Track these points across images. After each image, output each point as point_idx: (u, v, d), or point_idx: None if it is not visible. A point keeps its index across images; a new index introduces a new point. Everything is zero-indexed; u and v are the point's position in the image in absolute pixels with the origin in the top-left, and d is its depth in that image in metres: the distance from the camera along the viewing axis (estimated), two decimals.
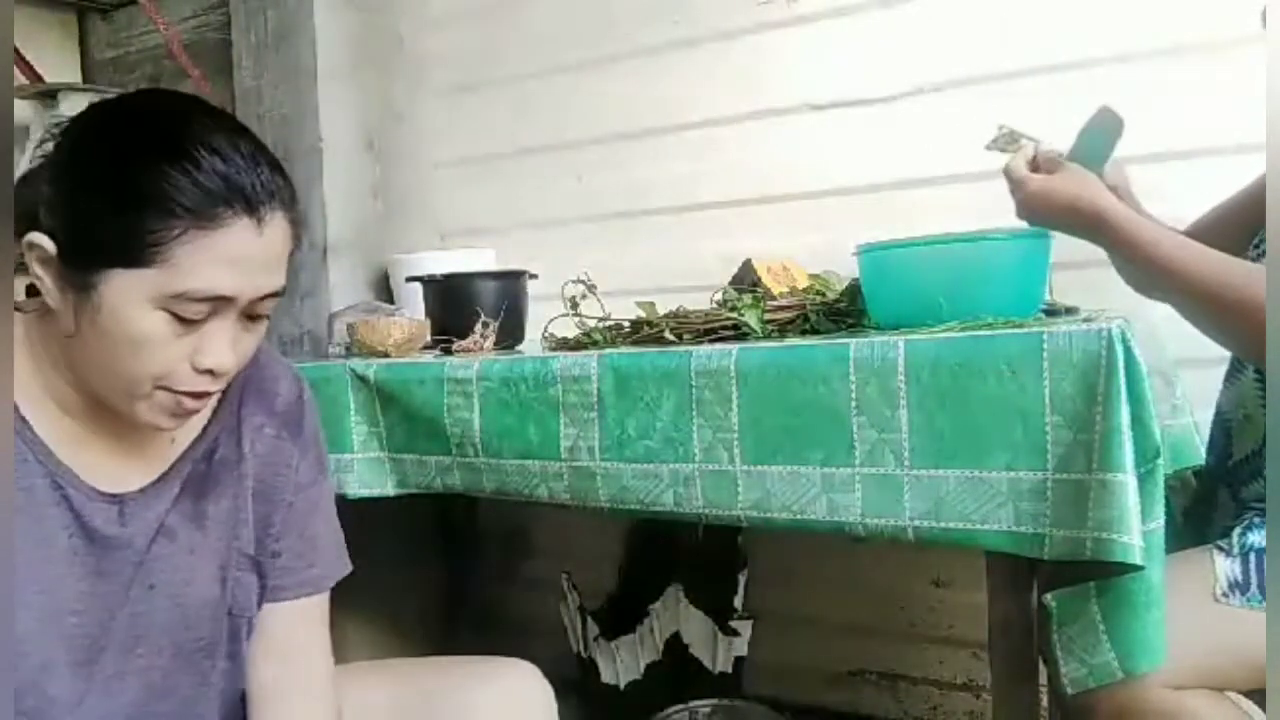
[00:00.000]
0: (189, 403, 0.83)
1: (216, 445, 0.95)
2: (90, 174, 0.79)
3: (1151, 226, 1.08)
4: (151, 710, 0.90)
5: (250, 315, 0.84)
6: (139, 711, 0.89)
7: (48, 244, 0.78)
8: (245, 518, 0.96)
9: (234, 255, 0.79)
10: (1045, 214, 1.13)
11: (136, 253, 0.76)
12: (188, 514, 0.92)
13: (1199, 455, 1.17)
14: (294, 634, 1.00)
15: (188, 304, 0.78)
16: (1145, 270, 1.08)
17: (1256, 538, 1.05)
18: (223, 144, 0.80)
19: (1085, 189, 1.10)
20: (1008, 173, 1.16)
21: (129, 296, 0.77)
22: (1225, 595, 1.02)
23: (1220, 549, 1.06)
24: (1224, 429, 1.22)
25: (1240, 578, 1.03)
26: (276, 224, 0.82)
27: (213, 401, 0.94)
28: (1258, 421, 1.15)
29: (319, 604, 1.03)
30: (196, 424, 0.94)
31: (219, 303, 0.80)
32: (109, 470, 0.88)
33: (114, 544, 0.87)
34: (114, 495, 0.87)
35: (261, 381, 0.99)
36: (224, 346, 0.82)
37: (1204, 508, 1.26)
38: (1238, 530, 1.07)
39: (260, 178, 0.81)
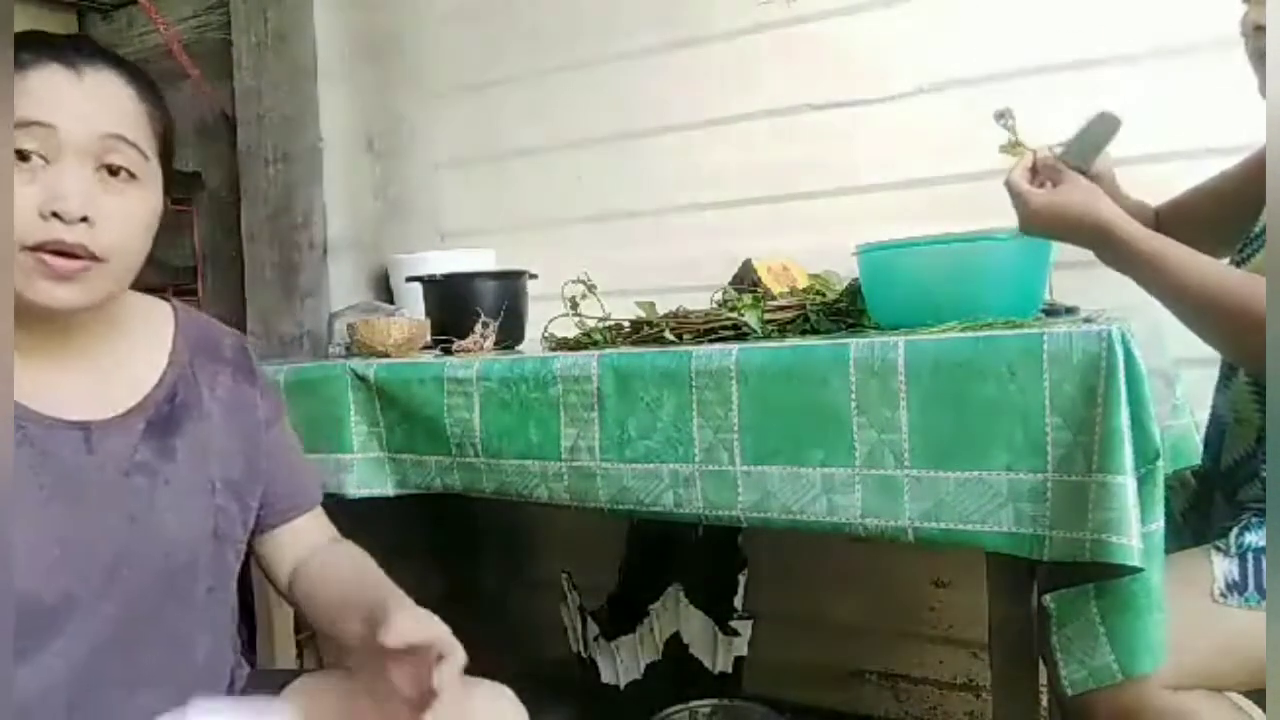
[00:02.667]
0: (51, 262, 0.83)
1: (176, 390, 0.99)
2: None
3: (1155, 238, 1.06)
4: (138, 634, 0.92)
5: (110, 169, 0.86)
6: (125, 634, 0.91)
7: None
8: (216, 451, 1.01)
9: (45, 90, 0.83)
10: (1049, 229, 1.12)
11: None
12: (158, 450, 0.95)
13: (1198, 455, 1.17)
14: (307, 536, 1.10)
15: (10, 134, 0.81)
16: (1149, 282, 1.07)
17: (1254, 538, 1.05)
18: (63, 40, 0.87)
19: (1088, 203, 1.07)
20: (1009, 186, 1.14)
21: None
22: (1223, 595, 1.03)
23: (1218, 549, 1.06)
24: (1219, 432, 1.22)
25: (1238, 578, 1.03)
26: (106, 80, 0.87)
27: (164, 353, 1.00)
28: (1251, 424, 1.15)
29: (318, 514, 1.13)
30: (152, 374, 0.99)
31: (42, 131, 0.82)
32: (68, 399, 0.90)
33: (83, 474, 0.89)
34: (79, 423, 0.90)
35: (206, 339, 1.06)
36: (66, 186, 0.83)
37: (1202, 508, 1.26)
38: (1235, 530, 1.07)
39: (80, 46, 0.87)
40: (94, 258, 0.85)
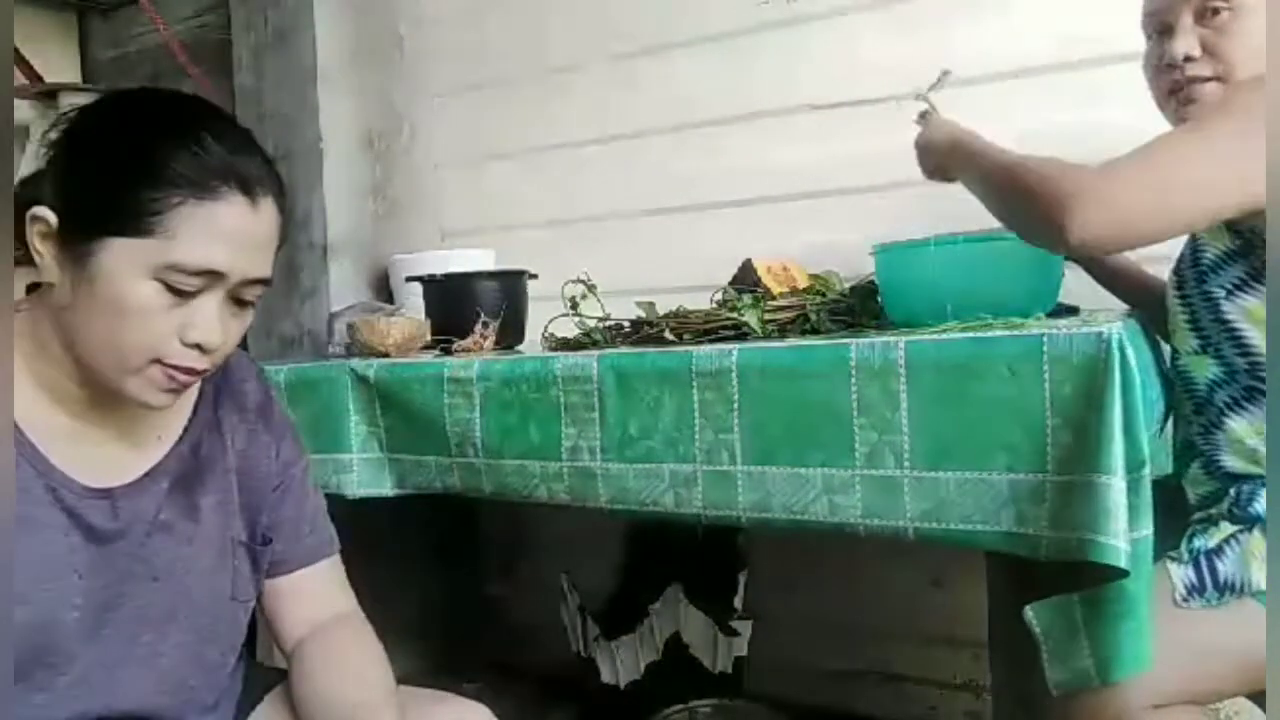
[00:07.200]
0: (179, 377, 0.86)
1: (200, 442, 0.99)
2: (97, 147, 0.84)
3: (983, 141, 1.17)
4: (160, 701, 0.92)
5: (238, 300, 0.88)
6: (146, 698, 0.91)
7: (50, 216, 0.82)
8: (234, 508, 1.00)
9: (228, 230, 0.83)
10: (925, 153, 1.29)
11: (136, 221, 0.80)
12: (181, 508, 0.95)
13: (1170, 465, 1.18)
14: (313, 591, 1.06)
15: (181, 275, 0.81)
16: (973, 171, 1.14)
17: (1201, 542, 1.08)
18: (224, 130, 0.86)
19: (940, 124, 1.29)
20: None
21: (125, 265, 0.80)
22: (1185, 600, 1.05)
23: (1172, 559, 1.08)
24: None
25: (1195, 581, 1.05)
26: (268, 208, 0.87)
27: (191, 400, 0.99)
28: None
29: (330, 567, 1.08)
30: (179, 422, 0.98)
31: (210, 277, 0.83)
32: (97, 465, 0.90)
33: (110, 537, 0.89)
34: (103, 490, 0.89)
35: (231, 384, 1.04)
36: (213, 321, 0.85)
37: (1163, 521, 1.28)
38: (1184, 540, 1.09)
39: (255, 162, 0.86)
40: (204, 371, 0.88)
